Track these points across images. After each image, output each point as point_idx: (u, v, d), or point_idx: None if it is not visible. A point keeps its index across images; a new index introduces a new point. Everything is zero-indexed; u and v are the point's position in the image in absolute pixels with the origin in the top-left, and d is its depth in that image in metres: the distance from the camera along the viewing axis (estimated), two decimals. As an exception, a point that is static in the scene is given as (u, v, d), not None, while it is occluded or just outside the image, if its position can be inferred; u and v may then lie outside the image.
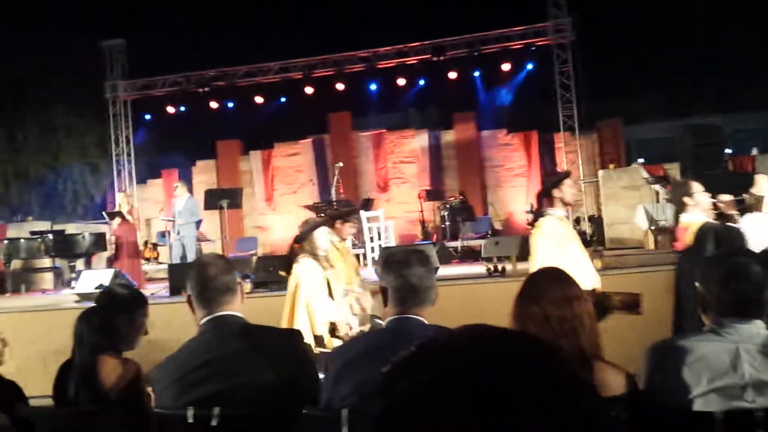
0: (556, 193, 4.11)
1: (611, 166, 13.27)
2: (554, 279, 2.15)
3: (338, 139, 15.73)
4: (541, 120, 14.94)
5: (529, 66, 14.85)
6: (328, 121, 15.86)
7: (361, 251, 11.45)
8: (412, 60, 14.65)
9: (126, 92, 15.52)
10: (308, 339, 4.07)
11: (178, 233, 9.95)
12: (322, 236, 4.61)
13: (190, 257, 9.70)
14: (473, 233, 12.93)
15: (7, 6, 17.41)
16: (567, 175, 4.34)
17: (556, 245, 3.92)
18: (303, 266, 4.48)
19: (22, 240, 11.96)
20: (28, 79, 18.14)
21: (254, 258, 10.84)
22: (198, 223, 13.32)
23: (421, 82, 15.38)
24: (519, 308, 2.08)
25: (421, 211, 13.91)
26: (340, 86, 14.91)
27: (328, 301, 4.38)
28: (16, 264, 12.11)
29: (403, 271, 2.26)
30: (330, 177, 14.82)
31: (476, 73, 15.27)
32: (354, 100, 15.88)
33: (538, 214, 4.19)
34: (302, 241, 4.61)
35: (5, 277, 11.99)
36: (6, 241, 12.03)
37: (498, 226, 14.26)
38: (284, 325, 4.41)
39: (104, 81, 15.50)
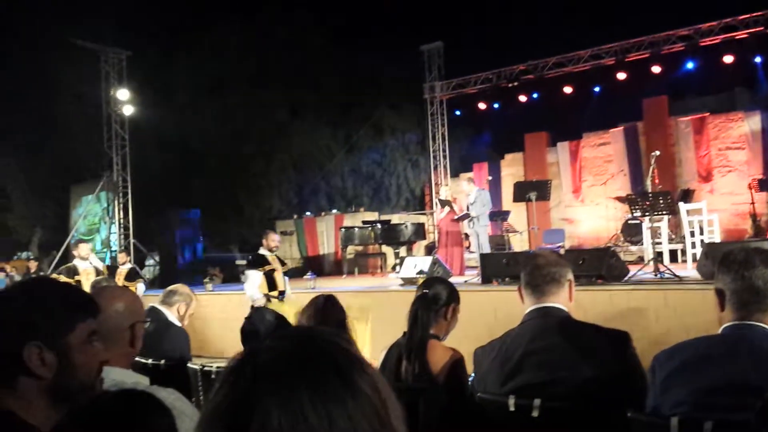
0: None
1: None
2: None
3: (653, 125, 14.74)
4: None
5: None
6: (642, 107, 14.96)
7: (679, 246, 10.64)
8: (741, 34, 13.00)
9: (442, 92, 16.50)
10: None
11: (472, 225, 10.25)
12: None
13: (485, 248, 9.97)
14: (822, 230, 11.08)
15: (343, 24, 19.93)
16: None
17: None
18: None
19: (356, 228, 13.62)
20: (360, 85, 20.54)
21: (562, 251, 10.79)
22: (506, 214, 13.74)
23: (755, 59, 13.57)
24: None
25: (752, 203, 12.33)
26: (656, 69, 13.92)
27: None
28: (350, 250, 13.84)
29: (745, 272, 2.02)
30: (644, 166, 13.99)
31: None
32: (671, 82, 14.72)
33: None
34: None
35: (342, 261, 13.81)
36: (343, 230, 13.82)
37: None
38: None
39: (423, 83, 16.67)
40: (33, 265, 15.74)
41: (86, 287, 6.69)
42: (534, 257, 2.49)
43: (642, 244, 10.96)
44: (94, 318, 1.46)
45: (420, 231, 12.59)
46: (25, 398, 1.34)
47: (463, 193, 10.64)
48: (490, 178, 14.48)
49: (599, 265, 6.91)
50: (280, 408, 0.65)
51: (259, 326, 3.18)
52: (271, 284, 7.29)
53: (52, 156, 20.81)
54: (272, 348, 0.72)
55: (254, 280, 7.21)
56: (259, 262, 7.33)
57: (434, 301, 2.82)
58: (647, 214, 8.17)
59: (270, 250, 7.41)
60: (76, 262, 9.07)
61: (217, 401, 0.69)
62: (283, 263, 7.66)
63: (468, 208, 10.27)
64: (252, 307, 3.44)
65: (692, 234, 9.73)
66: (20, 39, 19.04)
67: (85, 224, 18.59)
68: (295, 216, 17.95)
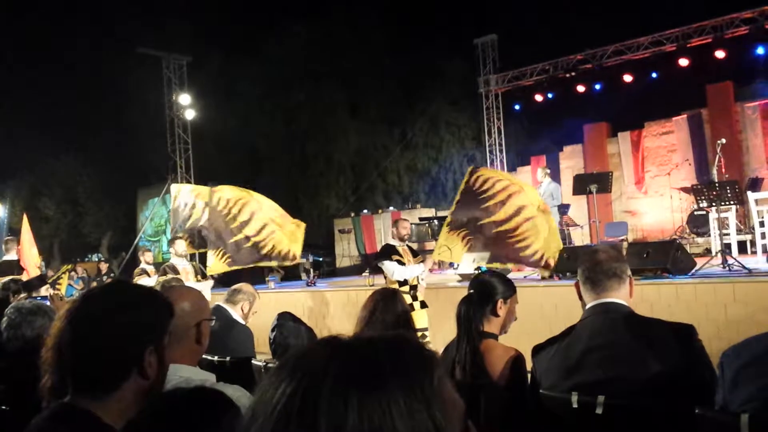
0: None
1: None
2: None
3: (718, 112, 14.23)
4: None
5: None
6: (706, 93, 14.46)
7: (748, 237, 10.25)
8: (813, 12, 12.42)
9: (497, 85, 16.32)
10: None
11: None
12: None
13: None
14: None
15: (398, 21, 19.96)
16: None
17: None
18: None
19: (413, 225, 13.62)
20: (415, 82, 20.55)
21: (624, 244, 10.53)
22: (566, 208, 13.49)
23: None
24: None
25: (828, 191, 11.77)
26: (719, 54, 13.43)
27: None
28: (409, 246, 13.86)
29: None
30: (709, 155, 13.53)
31: None
32: (736, 67, 14.18)
33: None
34: None
35: (400, 258, 13.85)
36: (400, 226, 13.85)
37: None
38: None
39: (478, 77, 16.52)
40: (104, 267, 16.41)
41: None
42: (594, 252, 2.44)
43: (709, 236, 10.61)
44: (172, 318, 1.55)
45: (477, 227, 12.45)
46: (122, 401, 1.38)
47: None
48: (548, 171, 14.26)
49: (664, 259, 6.73)
50: (359, 409, 0.63)
51: (291, 339, 3.18)
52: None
53: (120, 162, 21.63)
54: (351, 348, 0.70)
55: (391, 266, 6.44)
56: (386, 253, 6.59)
57: (481, 300, 2.75)
58: (714, 204, 7.92)
59: (401, 239, 6.71)
60: (174, 260, 8.35)
61: (285, 397, 0.66)
62: (415, 254, 6.95)
63: None
64: (278, 315, 3.38)
65: (761, 224, 9.35)
66: (87, 50, 19.84)
67: (151, 226, 19.26)
68: (353, 214, 18.11)
